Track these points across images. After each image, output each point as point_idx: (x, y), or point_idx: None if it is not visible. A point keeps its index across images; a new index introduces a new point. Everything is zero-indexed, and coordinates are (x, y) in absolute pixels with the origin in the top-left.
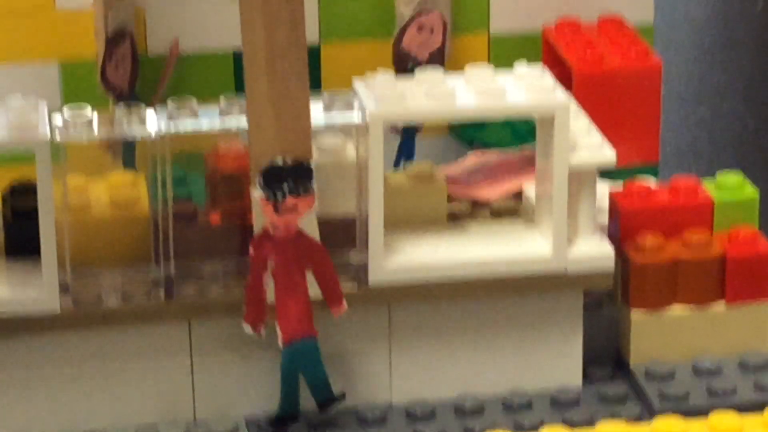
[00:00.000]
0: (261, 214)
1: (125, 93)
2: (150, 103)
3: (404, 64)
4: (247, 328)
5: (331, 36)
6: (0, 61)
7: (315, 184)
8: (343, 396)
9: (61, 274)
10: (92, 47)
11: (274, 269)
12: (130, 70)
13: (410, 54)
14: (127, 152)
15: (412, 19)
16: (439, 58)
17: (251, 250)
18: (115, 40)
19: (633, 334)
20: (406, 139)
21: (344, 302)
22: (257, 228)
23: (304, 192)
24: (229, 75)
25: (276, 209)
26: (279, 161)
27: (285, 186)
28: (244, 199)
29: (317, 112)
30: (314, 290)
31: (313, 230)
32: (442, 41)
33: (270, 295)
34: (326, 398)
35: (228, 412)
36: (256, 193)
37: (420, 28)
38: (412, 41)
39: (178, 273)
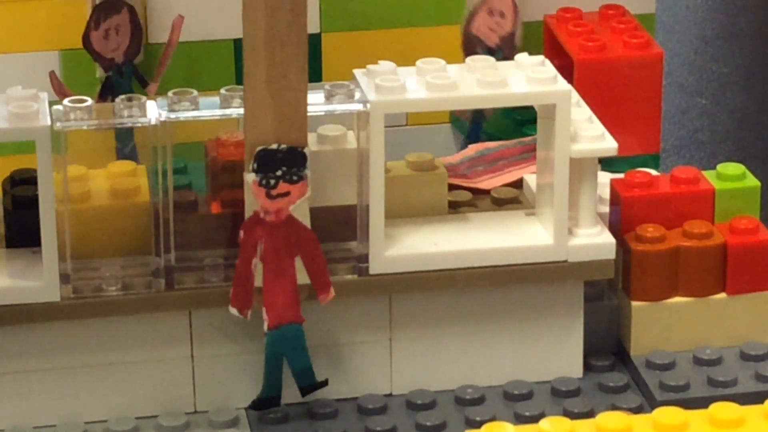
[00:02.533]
0: (253, 199)
1: (117, 65)
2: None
3: (473, 49)
4: (234, 311)
5: (332, 26)
6: (0, 51)
7: (308, 172)
8: (325, 382)
9: (61, 263)
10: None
11: (264, 254)
12: (128, 42)
13: (480, 39)
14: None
15: (482, 2)
16: (509, 43)
17: (241, 233)
18: (105, 7)
19: (634, 324)
20: (475, 126)
21: (332, 290)
22: (249, 212)
23: (297, 178)
24: (230, 64)
25: (268, 194)
26: (274, 146)
27: (279, 171)
28: (244, 188)
29: (318, 101)
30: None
31: (304, 217)
32: (512, 26)
33: (258, 279)
34: (308, 384)
35: (228, 402)
36: (249, 177)
37: (491, 12)
38: (481, 25)
39: (179, 263)
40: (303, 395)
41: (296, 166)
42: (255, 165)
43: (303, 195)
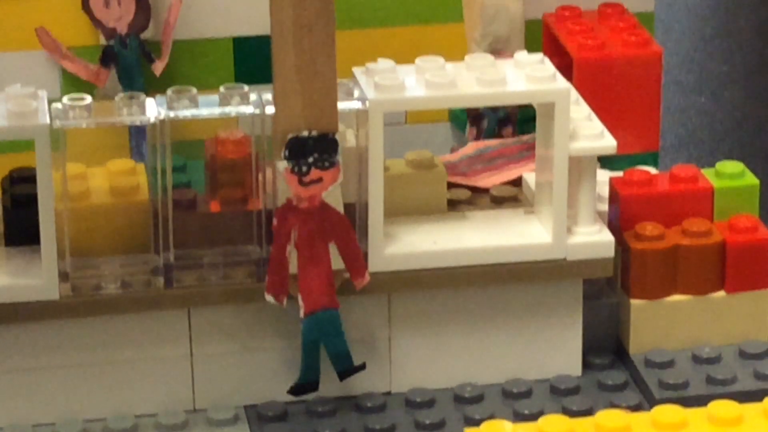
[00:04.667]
0: (285, 186)
1: (120, 36)
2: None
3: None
4: (270, 299)
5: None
6: None
7: (340, 157)
8: (363, 366)
9: (60, 262)
10: (92, 35)
11: (298, 241)
12: (132, 14)
13: None
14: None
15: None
16: None
17: (275, 221)
18: None
19: (633, 322)
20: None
21: (367, 274)
22: (281, 200)
23: (329, 165)
24: (229, 62)
25: (301, 181)
26: (305, 133)
27: (310, 158)
28: (243, 186)
29: None
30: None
31: (337, 203)
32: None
33: (293, 266)
34: (346, 368)
35: (227, 400)
36: (281, 165)
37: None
38: None
39: (178, 261)
40: (341, 379)
41: (327, 152)
42: (286, 152)
43: (335, 181)
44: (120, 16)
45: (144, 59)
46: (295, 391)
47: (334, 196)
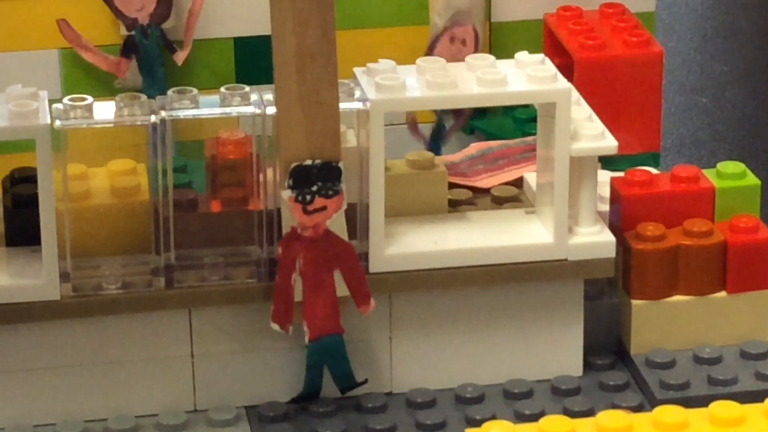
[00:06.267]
0: (289, 214)
1: (142, 26)
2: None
3: None
4: (276, 327)
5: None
6: (0, 49)
7: (344, 185)
8: (365, 381)
9: (61, 262)
10: (93, 34)
11: (303, 268)
12: (155, 4)
13: None
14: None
15: (445, 29)
16: None
17: (279, 250)
18: None
19: (634, 323)
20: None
21: (372, 301)
22: (285, 228)
23: (333, 193)
24: (230, 63)
25: (305, 210)
26: (308, 162)
27: (314, 187)
28: (244, 186)
29: None
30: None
31: (341, 230)
32: (474, 53)
33: (298, 293)
34: (348, 386)
35: (228, 401)
36: (285, 194)
37: (452, 40)
38: (443, 52)
39: (179, 261)
40: (342, 394)
41: (331, 180)
42: (290, 181)
43: (339, 209)
44: (142, 6)
45: (165, 49)
46: (296, 401)
47: (338, 223)
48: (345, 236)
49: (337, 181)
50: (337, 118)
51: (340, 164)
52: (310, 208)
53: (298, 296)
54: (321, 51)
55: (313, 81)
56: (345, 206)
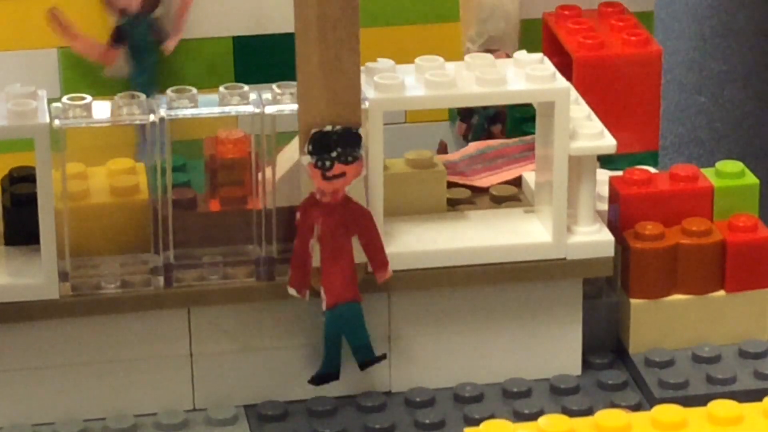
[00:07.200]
0: (308, 180)
1: (131, 14)
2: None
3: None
4: (293, 292)
5: None
6: None
7: (363, 152)
8: (384, 356)
9: (60, 261)
10: (92, 34)
11: (321, 234)
12: None
13: None
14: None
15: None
16: None
17: (298, 215)
18: None
19: (633, 322)
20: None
21: (389, 268)
22: (304, 194)
23: (352, 159)
24: (229, 62)
25: (324, 176)
26: (328, 128)
27: (334, 153)
28: (243, 185)
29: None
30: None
31: (360, 196)
32: None
33: (315, 260)
34: (368, 359)
35: (227, 400)
36: (305, 159)
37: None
38: None
39: (178, 260)
40: (361, 369)
41: (351, 146)
42: (310, 147)
43: (358, 175)
44: None
45: (154, 38)
46: (316, 380)
47: (357, 189)
48: (364, 202)
49: (357, 147)
50: (358, 85)
51: (360, 130)
52: (329, 174)
53: (315, 262)
54: (343, 17)
55: (335, 47)
56: (365, 172)
